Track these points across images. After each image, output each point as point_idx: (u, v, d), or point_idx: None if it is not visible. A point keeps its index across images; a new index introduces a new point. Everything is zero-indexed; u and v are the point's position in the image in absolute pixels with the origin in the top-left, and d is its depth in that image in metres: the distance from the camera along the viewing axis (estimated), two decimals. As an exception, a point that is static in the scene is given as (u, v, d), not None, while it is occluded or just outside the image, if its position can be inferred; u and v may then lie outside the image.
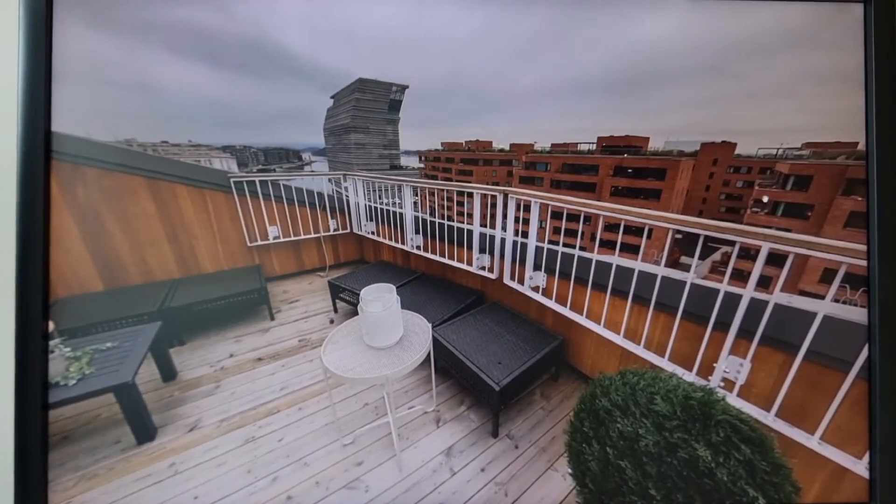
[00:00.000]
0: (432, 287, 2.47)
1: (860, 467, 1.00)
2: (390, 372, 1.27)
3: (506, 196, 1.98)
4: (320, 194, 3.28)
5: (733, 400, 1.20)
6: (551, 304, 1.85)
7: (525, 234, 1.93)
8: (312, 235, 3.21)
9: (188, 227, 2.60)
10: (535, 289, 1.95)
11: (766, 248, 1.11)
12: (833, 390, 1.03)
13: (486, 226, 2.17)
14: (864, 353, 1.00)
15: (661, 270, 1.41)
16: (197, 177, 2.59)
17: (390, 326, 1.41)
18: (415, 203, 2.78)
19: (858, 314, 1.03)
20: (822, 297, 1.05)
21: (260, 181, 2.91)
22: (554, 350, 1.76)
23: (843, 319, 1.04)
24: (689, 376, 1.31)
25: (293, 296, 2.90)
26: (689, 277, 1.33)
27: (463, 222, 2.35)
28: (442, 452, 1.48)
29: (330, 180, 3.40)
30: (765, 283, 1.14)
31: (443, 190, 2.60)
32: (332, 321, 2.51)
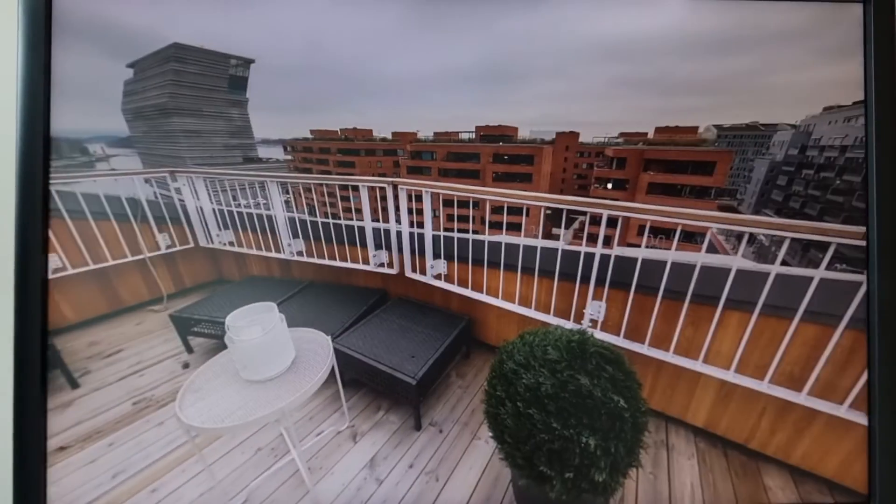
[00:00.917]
0: (325, 295, 2.24)
1: (669, 357, 1.47)
2: (285, 403, 1.09)
3: (395, 187, 1.94)
4: (134, 200, 2.40)
5: (599, 335, 1.56)
6: (454, 288, 1.96)
7: (420, 225, 1.95)
8: (130, 259, 2.34)
9: None
10: (438, 276, 2.02)
11: (605, 214, 1.45)
12: (651, 309, 1.47)
13: (378, 220, 2.08)
14: (664, 279, 1.44)
15: (539, 242, 1.68)
16: None
17: (276, 351, 1.22)
18: (286, 202, 2.39)
19: (663, 255, 1.49)
20: (639, 246, 1.47)
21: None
22: (462, 330, 1.88)
23: (656, 260, 1.48)
24: (569, 324, 1.63)
25: (110, 346, 2.11)
26: (560, 245, 1.62)
27: (352, 219, 2.18)
28: (364, 467, 1.44)
29: (148, 181, 2.51)
30: (607, 241, 1.51)
31: (321, 185, 2.32)
32: (186, 365, 1.96)
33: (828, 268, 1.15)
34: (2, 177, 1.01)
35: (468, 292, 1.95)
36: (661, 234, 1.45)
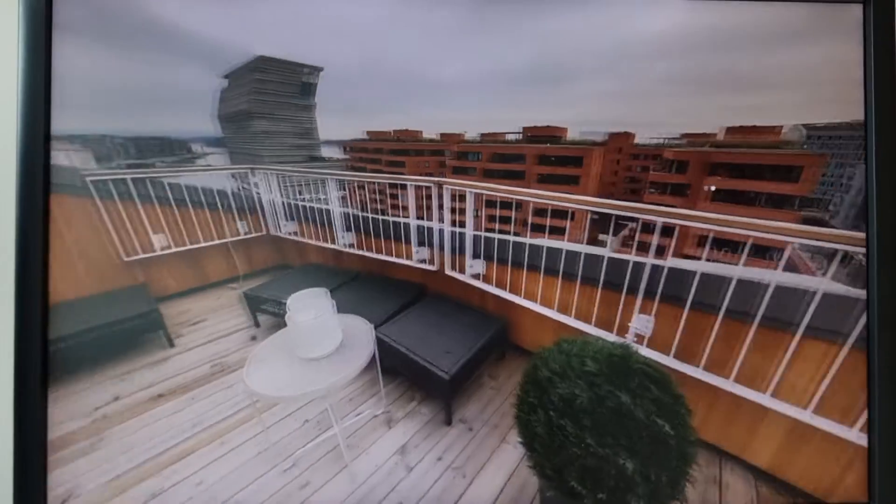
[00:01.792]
0: (371, 286, 2.35)
1: (728, 385, 1.30)
2: (331, 382, 1.17)
3: (440, 187, 1.97)
4: (222, 192, 2.75)
5: (644, 351, 1.43)
6: (492, 288, 1.93)
7: (462, 224, 1.96)
8: (216, 242, 2.69)
9: (21, 245, 1.93)
10: (476, 276, 2.02)
11: (660, 221, 1.33)
12: (708, 329, 1.31)
13: (422, 218, 2.14)
14: (727, 297, 1.28)
15: (583, 248, 1.59)
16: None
17: (326, 334, 1.30)
18: (342, 198, 2.56)
19: (728, 270, 1.31)
20: (698, 259, 1.31)
21: (133, 179, 2.30)
22: (498, 332, 1.85)
23: (718, 275, 1.31)
24: (611, 337, 1.52)
25: (197, 315, 2.44)
26: (605, 252, 1.52)
27: (398, 216, 2.27)
28: (396, 452, 1.46)
29: (233, 175, 2.88)
30: (662, 251, 1.37)
31: (373, 183, 2.46)
32: (254, 338, 2.20)
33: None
34: (2, 175, 0.97)
35: (506, 294, 1.91)
36: (727, 246, 1.28)
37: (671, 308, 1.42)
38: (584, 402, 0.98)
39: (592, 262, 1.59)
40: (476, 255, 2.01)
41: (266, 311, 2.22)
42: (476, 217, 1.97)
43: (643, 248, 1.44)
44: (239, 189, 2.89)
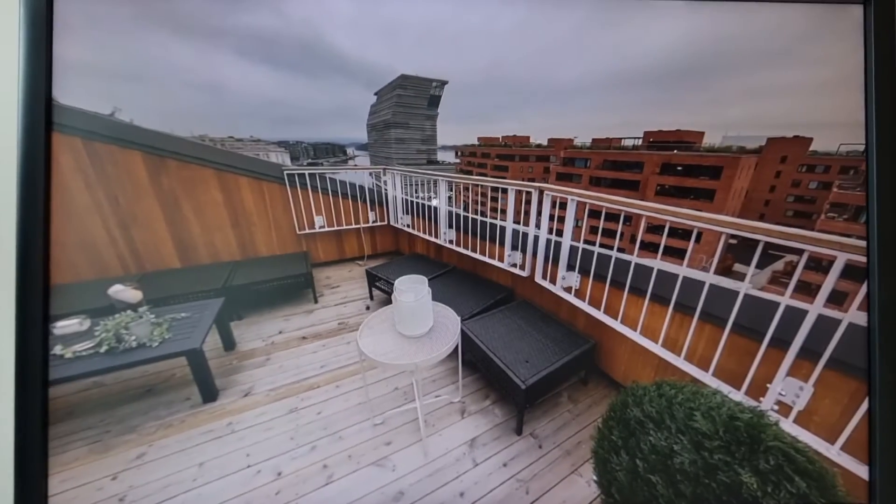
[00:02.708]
0: (463, 281, 2.47)
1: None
2: (419, 360, 1.30)
3: (541, 193, 1.90)
4: (361, 187, 3.42)
5: (789, 426, 1.06)
6: (584, 305, 1.76)
7: (560, 233, 1.85)
8: (353, 226, 3.36)
9: (248, 214, 2.85)
10: (568, 289, 1.87)
11: (842, 258, 0.95)
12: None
13: (519, 223, 2.12)
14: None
15: (710, 278, 1.28)
16: (257, 169, 2.82)
17: (421, 317, 1.44)
18: (449, 198, 2.78)
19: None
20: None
21: (309, 174, 3.10)
22: (584, 353, 1.68)
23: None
24: (737, 395, 1.19)
25: (335, 281, 3.08)
26: (744, 287, 1.19)
27: (496, 218, 2.31)
28: (465, 443, 1.49)
29: (371, 174, 3.53)
30: (838, 298, 0.98)
31: (477, 185, 2.56)
32: (367, 307, 2.63)
33: None
34: (2, 174, 0.95)
35: (599, 314, 1.70)
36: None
37: (843, 379, 1.00)
38: (684, 464, 0.80)
39: (722, 297, 1.26)
40: (570, 267, 1.86)
41: (379, 288, 2.60)
42: (577, 227, 1.82)
43: (806, 290, 1.05)
44: (373, 185, 3.50)
